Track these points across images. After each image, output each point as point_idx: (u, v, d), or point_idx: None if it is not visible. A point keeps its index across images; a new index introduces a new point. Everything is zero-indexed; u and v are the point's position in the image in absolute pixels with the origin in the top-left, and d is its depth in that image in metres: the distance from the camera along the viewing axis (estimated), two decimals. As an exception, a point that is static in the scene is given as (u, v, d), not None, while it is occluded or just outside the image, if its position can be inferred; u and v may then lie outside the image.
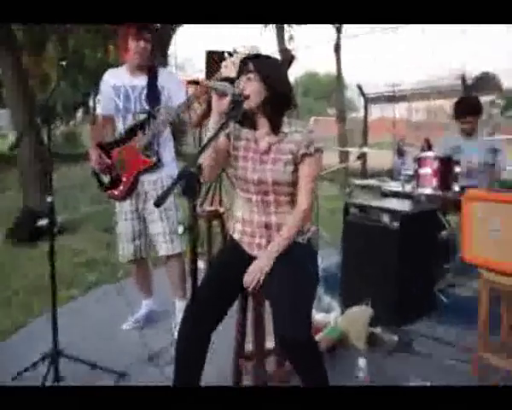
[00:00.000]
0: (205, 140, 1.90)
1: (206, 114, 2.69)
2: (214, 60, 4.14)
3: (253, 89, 1.95)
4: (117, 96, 2.91)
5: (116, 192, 2.96)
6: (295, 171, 1.99)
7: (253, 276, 1.94)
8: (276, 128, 2.01)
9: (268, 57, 2.05)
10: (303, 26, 7.48)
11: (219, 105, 1.96)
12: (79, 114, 19.47)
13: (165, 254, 2.97)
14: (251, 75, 1.96)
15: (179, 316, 3.06)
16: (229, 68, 2.41)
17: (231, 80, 2.21)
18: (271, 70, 1.98)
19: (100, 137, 3.03)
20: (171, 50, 12.41)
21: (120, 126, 2.94)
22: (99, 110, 3.06)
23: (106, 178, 2.99)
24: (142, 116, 2.84)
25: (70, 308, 3.50)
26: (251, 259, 2.02)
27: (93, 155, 2.96)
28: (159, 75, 2.92)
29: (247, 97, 1.94)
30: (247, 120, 2.05)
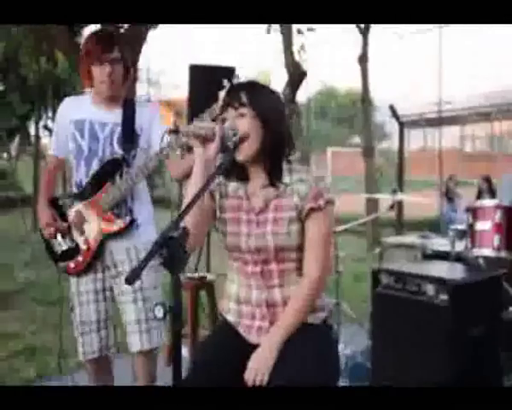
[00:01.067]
0: (186, 196, 1.98)
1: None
2: (200, 77, 4.34)
3: (249, 128, 2.03)
4: (79, 133, 2.89)
5: (73, 265, 2.92)
6: (302, 230, 2.07)
7: (254, 374, 1.98)
8: (275, 179, 2.09)
9: (263, 86, 2.16)
10: (316, 28, 7.74)
11: (205, 152, 2.03)
12: (14, 144, 19.77)
13: (140, 350, 2.89)
14: (242, 110, 2.05)
15: None
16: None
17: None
18: (270, 105, 2.08)
19: (53, 188, 3.06)
20: (143, 63, 12.71)
21: (81, 175, 2.91)
22: (52, 151, 3.07)
23: (59, 246, 2.97)
24: (112, 163, 2.84)
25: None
26: (250, 347, 2.06)
27: (43, 214, 2.95)
28: (137, 110, 2.92)
29: (246, 137, 2.02)
30: (237, 172, 2.13)
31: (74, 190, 2.95)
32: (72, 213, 2.93)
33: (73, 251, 2.92)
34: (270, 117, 2.05)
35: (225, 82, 2.53)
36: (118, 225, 2.86)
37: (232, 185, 2.17)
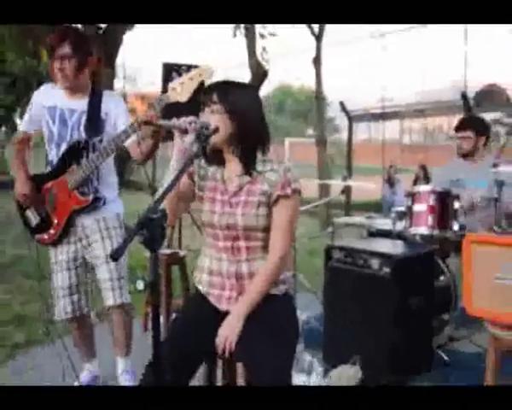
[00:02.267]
0: (165, 181, 1.99)
1: (152, 149, 2.77)
2: (173, 75, 4.29)
3: (217, 122, 2.04)
4: (51, 119, 2.91)
5: (46, 236, 2.97)
6: (269, 214, 2.09)
7: (223, 340, 2.01)
8: (247, 167, 2.11)
9: (235, 84, 2.17)
10: (276, 33, 7.74)
11: (181, 142, 2.05)
12: (1, 133, 19.28)
13: (113, 304, 2.97)
14: (215, 107, 2.06)
15: (122, 377, 3.12)
16: (177, 91, 2.45)
17: (179, 106, 2.29)
18: (239, 100, 2.08)
19: (23, 158, 3.02)
20: (119, 60, 12.48)
21: (53, 157, 2.94)
22: (22, 127, 3.07)
23: (34, 220, 3.00)
24: (76, 146, 2.85)
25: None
26: (220, 314, 2.10)
27: (22, 185, 2.93)
28: (103, 99, 2.92)
29: (216, 131, 2.03)
30: (215, 158, 2.16)
31: (47, 170, 2.98)
32: (44, 190, 2.95)
33: (46, 224, 2.96)
34: (238, 113, 2.05)
35: (183, 68, 2.52)
36: (82, 202, 2.89)
37: (211, 170, 2.19)
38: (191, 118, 2.03)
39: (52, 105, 2.92)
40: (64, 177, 2.88)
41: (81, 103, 2.90)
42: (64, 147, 2.89)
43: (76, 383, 3.13)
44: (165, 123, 2.11)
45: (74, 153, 2.86)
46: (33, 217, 3.00)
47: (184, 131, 2.04)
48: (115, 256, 1.42)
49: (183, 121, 2.03)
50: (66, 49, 2.76)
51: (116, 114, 2.92)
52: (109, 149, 2.76)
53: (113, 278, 2.95)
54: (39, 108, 2.96)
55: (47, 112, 2.93)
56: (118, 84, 15.37)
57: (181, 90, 2.45)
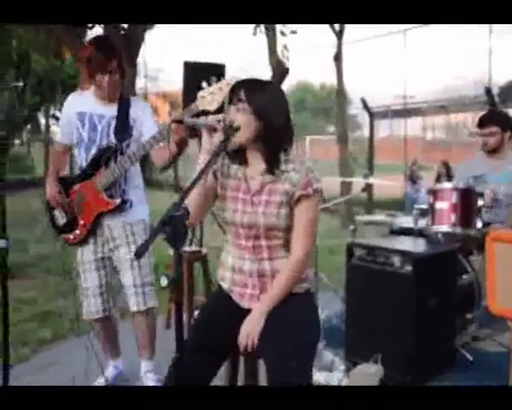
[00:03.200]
0: (190, 179, 2.01)
1: (176, 156, 2.78)
2: (193, 73, 4.31)
3: (243, 121, 2.05)
4: (81, 124, 3.00)
5: (71, 236, 3.06)
6: (291, 214, 2.10)
7: (246, 336, 2.03)
8: (271, 166, 2.11)
9: (262, 83, 2.18)
10: (297, 31, 7.70)
11: (209, 142, 2.07)
12: (25, 132, 19.62)
13: (137, 310, 3.04)
14: (241, 105, 2.07)
15: (145, 379, 3.16)
16: (206, 100, 2.48)
17: (208, 113, 2.31)
18: (265, 99, 2.08)
19: (60, 167, 3.17)
20: (141, 59, 12.57)
21: (82, 160, 3.02)
22: (58, 138, 3.19)
23: (61, 219, 3.10)
24: (106, 150, 2.95)
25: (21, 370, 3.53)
26: (242, 311, 2.12)
27: (51, 187, 3.07)
28: (131, 105, 3.02)
29: (238, 129, 2.04)
30: (239, 156, 2.17)
31: (77, 172, 3.08)
32: (73, 192, 3.04)
33: (72, 225, 3.05)
34: (265, 112, 2.06)
35: (213, 79, 2.55)
36: (109, 204, 2.96)
37: (234, 168, 2.20)
38: (220, 116, 2.06)
39: (82, 110, 3.02)
40: (92, 179, 2.96)
41: (110, 109, 3.00)
42: (94, 151, 2.97)
43: (102, 379, 3.18)
44: (195, 121, 2.15)
45: (104, 157, 2.94)
46: (61, 217, 3.10)
47: (214, 130, 2.05)
48: (139, 254, 1.45)
49: (212, 119, 2.06)
50: (114, 63, 2.90)
51: (143, 120, 3.02)
52: (138, 154, 2.85)
53: (136, 285, 3.02)
54: (69, 117, 3.06)
55: (76, 117, 3.02)
56: (139, 83, 15.51)
57: (211, 100, 2.47)
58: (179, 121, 2.52)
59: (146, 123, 3.01)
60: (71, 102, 3.09)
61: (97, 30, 8.57)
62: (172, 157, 2.78)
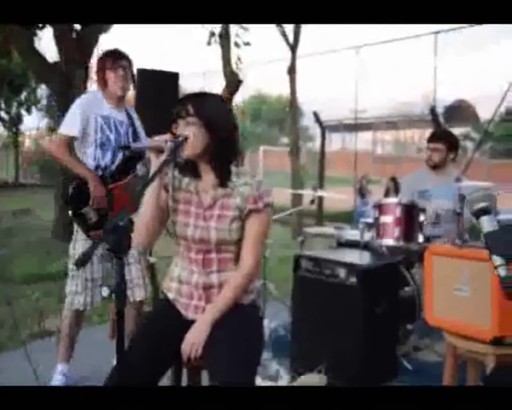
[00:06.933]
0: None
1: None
2: (147, 80, 4.30)
3: (193, 133, 2.06)
4: (108, 127, 3.20)
5: (100, 233, 3.16)
6: (242, 228, 2.12)
7: (189, 347, 2.03)
8: (222, 179, 2.13)
9: (209, 95, 2.20)
10: (251, 43, 7.79)
11: (157, 164, 2.06)
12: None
13: (143, 298, 3.32)
14: (190, 119, 2.08)
15: None
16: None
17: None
18: (213, 111, 2.11)
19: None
20: (94, 62, 12.39)
21: (107, 161, 3.20)
22: (73, 132, 3.14)
23: (94, 217, 3.19)
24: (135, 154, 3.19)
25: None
26: (186, 322, 2.11)
27: (101, 188, 3.15)
28: (132, 113, 3.34)
29: (187, 139, 2.05)
30: (190, 169, 2.17)
31: (99, 172, 3.19)
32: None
33: (103, 222, 3.17)
34: (213, 124, 2.08)
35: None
36: (133, 206, 3.12)
37: (185, 181, 2.20)
38: (165, 137, 2.06)
39: (106, 114, 3.22)
40: (123, 181, 3.22)
41: (123, 115, 3.28)
42: (119, 154, 3.22)
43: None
44: (139, 146, 2.17)
45: (133, 159, 3.23)
46: (93, 215, 3.19)
47: (160, 151, 2.06)
48: (81, 263, 1.44)
49: (159, 139, 2.07)
50: (125, 61, 3.22)
51: (141, 130, 3.38)
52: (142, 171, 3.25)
53: (140, 277, 3.29)
54: (90, 115, 3.18)
55: (102, 120, 3.20)
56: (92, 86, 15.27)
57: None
58: (127, 147, 2.63)
59: (142, 132, 3.36)
60: (92, 103, 3.20)
61: (49, 29, 8.45)
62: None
